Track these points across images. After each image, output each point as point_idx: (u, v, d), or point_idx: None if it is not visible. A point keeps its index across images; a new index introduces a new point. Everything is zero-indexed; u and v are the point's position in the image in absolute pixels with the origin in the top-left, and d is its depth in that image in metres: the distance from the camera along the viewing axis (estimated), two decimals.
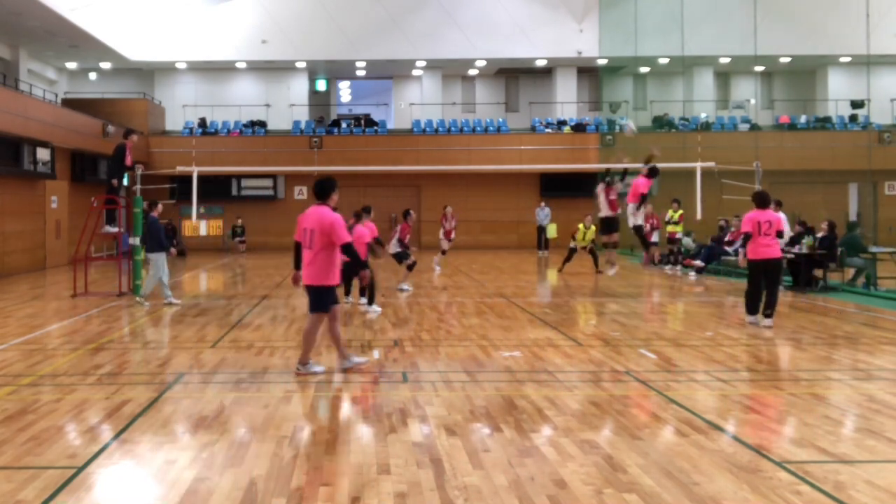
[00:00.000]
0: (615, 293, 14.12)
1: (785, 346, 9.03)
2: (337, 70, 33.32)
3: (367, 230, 11.83)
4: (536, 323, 10.74)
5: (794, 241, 14.96)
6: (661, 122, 29.34)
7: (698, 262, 18.00)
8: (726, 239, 18.41)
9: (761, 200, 10.36)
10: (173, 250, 12.94)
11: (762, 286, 10.24)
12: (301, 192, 29.17)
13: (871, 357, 8.17)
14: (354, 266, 7.33)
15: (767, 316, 10.18)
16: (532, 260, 23.03)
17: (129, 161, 14.02)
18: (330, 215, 7.26)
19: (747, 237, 10.27)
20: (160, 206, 13.11)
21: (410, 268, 14.74)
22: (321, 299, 7.37)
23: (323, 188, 7.45)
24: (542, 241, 25.42)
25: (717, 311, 12.12)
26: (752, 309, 10.42)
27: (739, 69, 31.98)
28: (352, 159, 26.85)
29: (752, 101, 31.08)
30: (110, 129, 24.26)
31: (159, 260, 12.65)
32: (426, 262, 19.19)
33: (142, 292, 13.01)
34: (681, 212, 18.55)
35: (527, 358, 8.20)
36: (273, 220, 28.95)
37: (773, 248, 10.19)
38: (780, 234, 10.44)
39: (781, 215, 15.06)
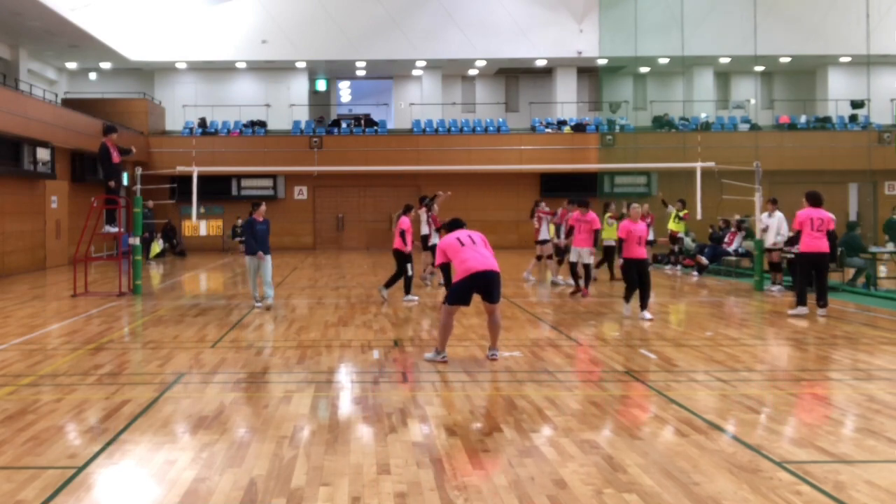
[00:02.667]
0: (615, 293, 14.11)
1: (785, 346, 9.03)
2: (337, 70, 33.33)
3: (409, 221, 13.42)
4: (536, 323, 10.74)
5: (793, 240, 14.93)
6: (661, 122, 29.35)
7: (703, 260, 17.98)
8: (726, 239, 18.43)
9: (814, 199, 11.67)
10: (260, 253, 12.01)
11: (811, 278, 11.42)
12: (301, 192, 29.17)
13: (871, 357, 8.17)
14: None
15: (822, 306, 11.30)
16: (532, 260, 23.00)
17: (115, 158, 13.84)
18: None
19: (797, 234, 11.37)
20: (263, 207, 12.26)
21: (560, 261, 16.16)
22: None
23: (461, 223, 8.59)
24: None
25: (717, 311, 12.12)
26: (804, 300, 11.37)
27: (739, 69, 31.98)
28: (352, 159, 26.85)
29: (752, 101, 31.09)
30: None
31: (249, 262, 12.19)
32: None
33: (256, 294, 12.52)
34: (686, 211, 18.56)
35: (527, 358, 8.20)
36: (273, 220, 28.73)
37: (822, 243, 11.32)
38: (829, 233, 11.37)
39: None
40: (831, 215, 11.54)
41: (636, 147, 26.83)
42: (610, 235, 16.42)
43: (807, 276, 11.41)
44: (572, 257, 13.94)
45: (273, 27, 29.89)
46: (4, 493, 4.33)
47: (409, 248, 13.06)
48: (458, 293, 7.94)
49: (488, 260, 7.94)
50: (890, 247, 17.33)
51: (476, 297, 8.10)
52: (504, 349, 8.49)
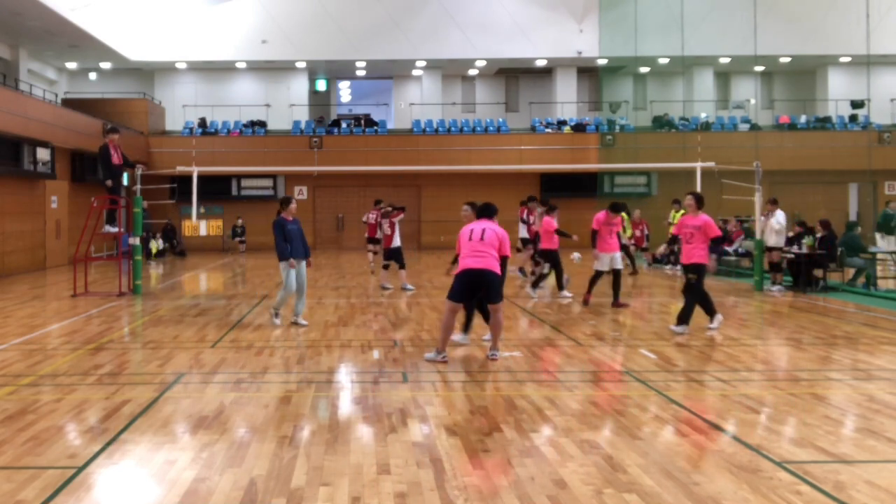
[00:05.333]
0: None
1: (785, 346, 9.03)
2: (337, 70, 33.33)
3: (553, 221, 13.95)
4: (536, 323, 10.74)
5: (793, 241, 14.97)
6: (661, 122, 29.34)
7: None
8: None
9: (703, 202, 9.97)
10: (292, 260, 10.29)
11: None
12: (301, 192, 29.16)
13: (871, 357, 8.17)
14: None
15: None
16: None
17: (115, 159, 13.74)
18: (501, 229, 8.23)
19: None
20: (293, 206, 10.57)
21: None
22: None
23: (491, 210, 8.34)
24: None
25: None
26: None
27: (739, 69, 31.97)
28: (352, 159, 26.85)
29: (752, 101, 31.08)
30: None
31: (284, 270, 10.36)
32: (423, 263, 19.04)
33: (273, 305, 10.74)
34: (683, 212, 18.53)
35: (527, 358, 8.20)
36: (273, 220, 28.89)
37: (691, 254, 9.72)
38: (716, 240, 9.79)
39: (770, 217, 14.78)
40: (704, 220, 9.76)
41: (636, 147, 26.82)
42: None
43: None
44: (603, 265, 12.27)
45: (273, 27, 29.88)
46: (4, 493, 4.33)
47: (556, 246, 13.61)
48: (455, 289, 8.03)
49: (482, 259, 7.89)
50: (882, 244, 17.28)
51: None
52: (504, 349, 8.49)
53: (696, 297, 9.78)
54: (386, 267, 15.08)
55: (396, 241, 14.77)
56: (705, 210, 10.14)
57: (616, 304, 12.26)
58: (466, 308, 8.85)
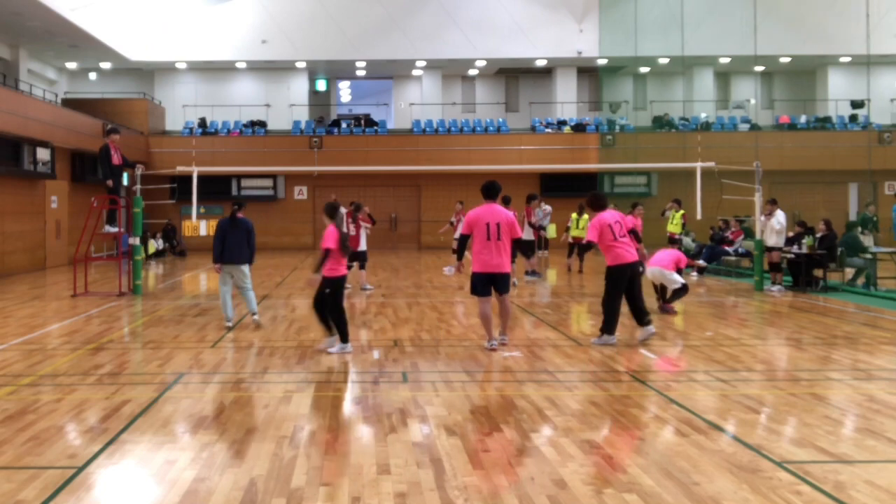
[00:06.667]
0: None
1: (785, 346, 9.03)
2: (337, 70, 33.34)
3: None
4: (536, 323, 10.74)
5: (793, 241, 14.97)
6: (661, 122, 29.34)
7: (701, 262, 18.00)
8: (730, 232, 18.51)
9: (598, 202, 9.14)
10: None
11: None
12: (301, 192, 29.16)
13: (871, 357, 8.17)
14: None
15: (649, 322, 8.98)
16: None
17: (115, 160, 13.74)
18: (508, 212, 8.75)
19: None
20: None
21: None
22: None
23: (495, 189, 8.67)
24: (541, 241, 25.38)
25: (717, 311, 12.12)
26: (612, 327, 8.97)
27: (739, 69, 31.99)
28: (352, 159, 26.86)
29: (752, 101, 31.09)
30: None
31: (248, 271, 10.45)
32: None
33: (252, 308, 10.47)
34: (682, 212, 18.53)
35: (527, 358, 8.20)
36: (273, 220, 28.91)
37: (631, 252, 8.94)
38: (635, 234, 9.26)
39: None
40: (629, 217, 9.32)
41: (636, 147, 26.83)
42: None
43: (621, 294, 8.91)
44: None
45: (273, 27, 29.88)
46: (4, 493, 4.33)
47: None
48: (476, 287, 8.53)
49: (497, 258, 8.34)
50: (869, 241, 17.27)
51: None
52: (504, 349, 8.49)
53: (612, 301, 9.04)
54: (360, 267, 14.89)
55: (362, 245, 14.59)
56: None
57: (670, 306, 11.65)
58: (320, 314, 8.53)
